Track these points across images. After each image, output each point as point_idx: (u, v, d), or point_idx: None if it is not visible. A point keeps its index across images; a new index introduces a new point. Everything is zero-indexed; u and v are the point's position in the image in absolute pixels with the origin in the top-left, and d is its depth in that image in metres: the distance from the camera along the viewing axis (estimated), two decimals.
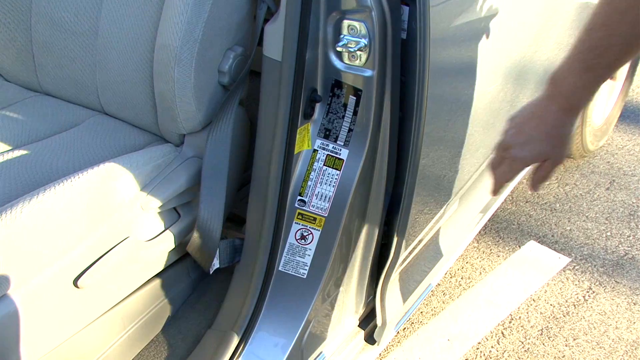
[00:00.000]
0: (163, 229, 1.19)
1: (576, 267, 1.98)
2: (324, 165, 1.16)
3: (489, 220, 2.13)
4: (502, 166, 0.98)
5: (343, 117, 1.14)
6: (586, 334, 1.75)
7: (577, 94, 0.88)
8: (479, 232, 2.09)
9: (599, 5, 0.81)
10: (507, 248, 2.07)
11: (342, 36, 1.06)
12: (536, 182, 0.99)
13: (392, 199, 1.26)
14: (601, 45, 0.82)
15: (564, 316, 1.81)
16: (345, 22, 1.05)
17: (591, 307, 1.84)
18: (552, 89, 0.90)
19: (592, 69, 0.85)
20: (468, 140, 1.43)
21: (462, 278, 1.96)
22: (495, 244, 2.09)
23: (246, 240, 1.22)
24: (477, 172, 1.60)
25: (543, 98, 0.91)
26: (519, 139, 0.93)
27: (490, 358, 1.69)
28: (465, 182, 1.56)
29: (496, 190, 1.04)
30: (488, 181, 1.75)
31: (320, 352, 1.33)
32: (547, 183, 0.97)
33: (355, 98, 1.12)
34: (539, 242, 2.09)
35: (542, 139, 0.92)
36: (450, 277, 1.96)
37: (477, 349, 1.72)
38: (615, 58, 0.83)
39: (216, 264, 1.23)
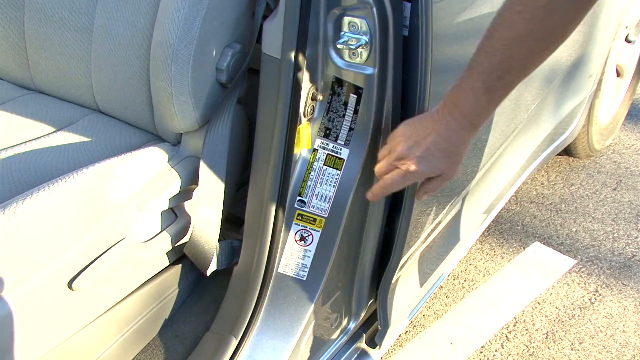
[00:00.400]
0: (160, 230, 1.20)
1: (582, 269, 1.99)
2: (324, 165, 1.16)
3: (492, 221, 2.14)
4: (394, 175, 1.03)
5: (343, 115, 1.14)
6: (592, 338, 1.76)
7: (477, 113, 0.93)
8: (483, 233, 2.10)
9: (499, 29, 0.86)
10: (511, 250, 2.08)
11: (342, 33, 1.07)
12: (423, 193, 1.05)
13: (393, 200, 1.27)
14: (501, 68, 0.87)
15: (570, 319, 1.82)
16: (346, 19, 1.06)
17: (598, 310, 1.84)
18: (451, 107, 0.95)
19: (492, 90, 0.90)
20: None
21: (465, 280, 1.96)
22: (499, 246, 2.09)
23: (244, 242, 1.22)
24: (480, 172, 1.60)
25: (442, 115, 0.96)
26: (416, 153, 0.97)
27: None
28: (469, 182, 1.57)
29: (378, 197, 1.08)
30: (492, 181, 1.76)
31: (321, 356, 1.34)
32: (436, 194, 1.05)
33: (356, 96, 1.12)
34: (544, 243, 2.10)
35: (440, 156, 0.97)
36: (453, 280, 1.96)
37: (481, 352, 1.72)
38: (514, 79, 0.89)
39: (214, 265, 1.23)
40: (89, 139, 1.27)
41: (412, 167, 0.98)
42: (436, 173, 1.01)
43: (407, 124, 1.01)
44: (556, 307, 1.86)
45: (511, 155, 1.80)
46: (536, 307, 1.86)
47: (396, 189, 1.05)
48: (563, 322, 1.81)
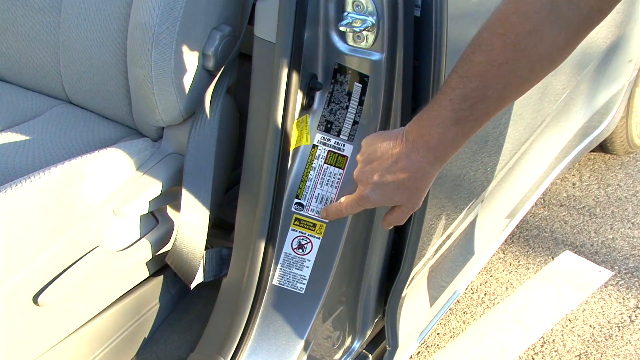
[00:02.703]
0: (138, 236, 1.21)
1: (620, 282, 2.00)
2: (324, 162, 1.18)
3: (516, 227, 2.15)
4: (348, 198, 1.04)
5: (347, 107, 1.16)
6: None
7: (443, 146, 0.93)
8: (505, 240, 2.11)
9: (477, 51, 0.85)
10: (538, 260, 2.09)
11: (345, 14, 1.08)
12: (388, 223, 1.06)
13: None
14: (476, 96, 0.87)
15: (606, 339, 1.83)
16: None
17: (638, 329, 1.86)
18: (415, 136, 0.94)
19: (463, 121, 0.89)
20: (492, 134, 1.45)
21: (485, 294, 1.98)
22: (525, 255, 2.11)
23: (235, 250, 1.23)
24: (502, 170, 1.62)
25: (406, 140, 0.95)
26: (370, 179, 0.98)
27: None
28: (489, 183, 1.58)
29: (332, 218, 1.11)
30: (516, 182, 1.77)
31: None
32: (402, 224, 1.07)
33: (360, 85, 1.14)
34: (575, 252, 2.11)
35: (397, 187, 0.97)
36: (472, 293, 1.98)
37: None
38: (488, 111, 0.89)
39: (200, 277, 1.24)
40: (57, 134, 1.28)
41: (366, 194, 0.99)
42: (393, 204, 1.01)
43: (370, 140, 1.00)
44: (590, 326, 1.87)
45: (538, 152, 1.81)
46: (567, 326, 1.87)
47: (349, 214, 1.07)
48: (598, 342, 1.82)
